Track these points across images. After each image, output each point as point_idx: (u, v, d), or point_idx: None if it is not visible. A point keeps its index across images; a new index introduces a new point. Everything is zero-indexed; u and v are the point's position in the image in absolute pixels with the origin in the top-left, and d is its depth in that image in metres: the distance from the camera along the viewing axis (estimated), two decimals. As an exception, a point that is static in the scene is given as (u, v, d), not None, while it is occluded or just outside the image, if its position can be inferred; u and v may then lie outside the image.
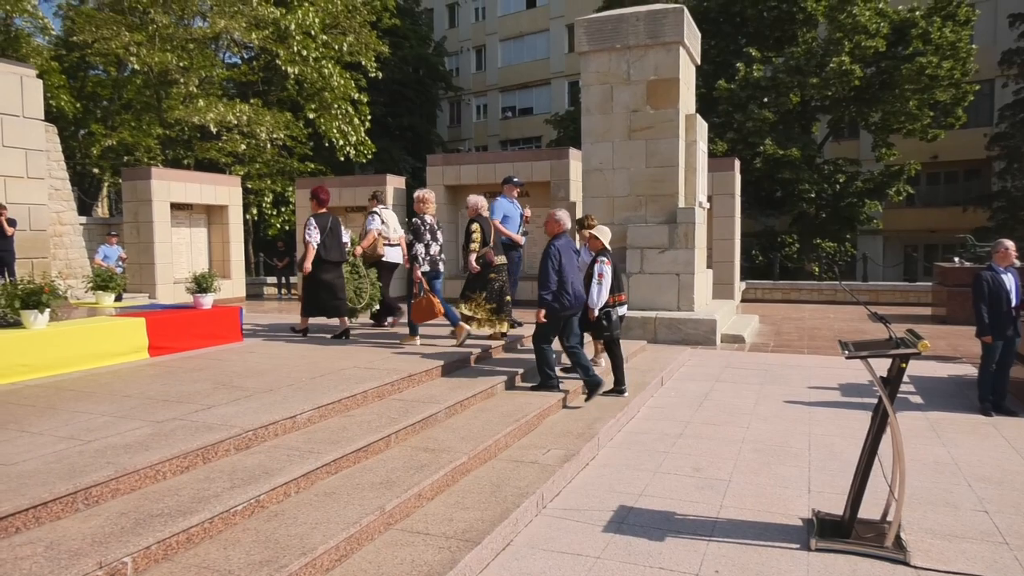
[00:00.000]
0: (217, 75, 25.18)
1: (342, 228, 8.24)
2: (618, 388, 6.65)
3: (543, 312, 6.16)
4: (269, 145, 23.53)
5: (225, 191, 17.64)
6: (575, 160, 14.81)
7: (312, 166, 26.34)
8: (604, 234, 6.79)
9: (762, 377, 7.93)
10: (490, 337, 7.85)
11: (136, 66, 21.75)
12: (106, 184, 27.18)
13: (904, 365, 3.55)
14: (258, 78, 25.62)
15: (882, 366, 3.61)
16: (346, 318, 8.16)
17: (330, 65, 24.54)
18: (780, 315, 13.87)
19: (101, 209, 27.44)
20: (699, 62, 11.77)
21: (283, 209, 25.22)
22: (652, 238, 10.32)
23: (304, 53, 23.65)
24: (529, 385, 6.44)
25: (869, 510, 3.76)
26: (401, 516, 3.61)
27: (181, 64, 21.83)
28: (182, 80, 22.00)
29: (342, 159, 26.29)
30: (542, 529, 3.82)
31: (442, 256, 7.83)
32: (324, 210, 8.10)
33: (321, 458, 3.88)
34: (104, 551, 2.72)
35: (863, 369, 3.96)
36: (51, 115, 18.53)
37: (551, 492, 4.25)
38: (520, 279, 9.60)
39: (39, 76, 12.83)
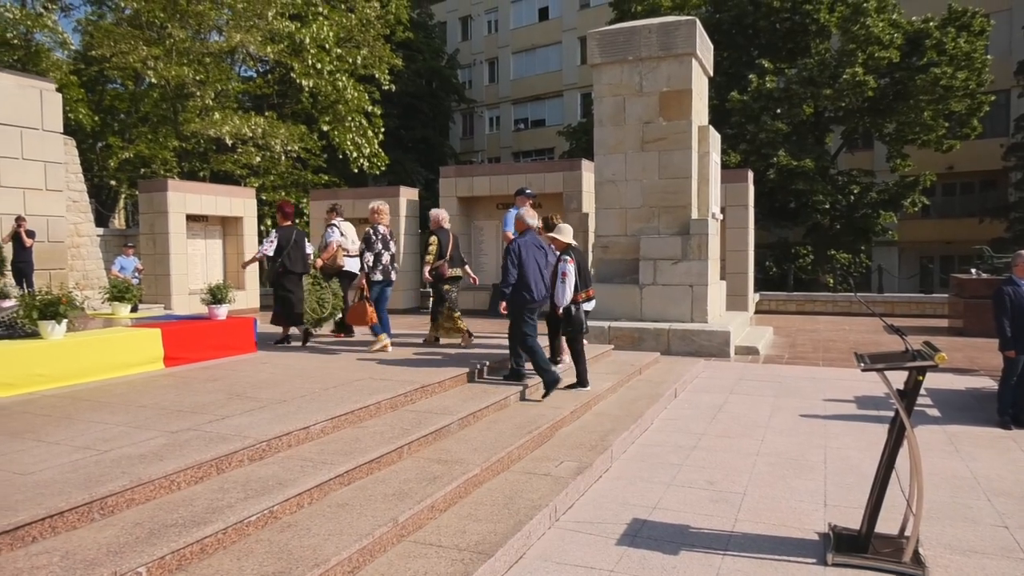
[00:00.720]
0: (233, 88, 25.45)
1: (306, 241, 8.55)
2: (580, 383, 6.85)
3: (503, 304, 6.46)
4: (284, 157, 23.73)
5: (240, 203, 17.79)
6: (587, 172, 14.83)
7: (326, 178, 26.52)
8: (566, 233, 6.90)
9: (776, 389, 7.88)
10: (463, 341, 8.35)
11: (153, 80, 22.03)
12: (123, 196, 27.48)
13: (921, 378, 3.52)
14: (273, 91, 25.87)
15: (899, 379, 3.58)
16: (296, 328, 8.49)
17: (344, 78, 24.75)
18: (794, 327, 13.78)
19: (118, 221, 27.74)
20: (712, 74, 11.77)
21: (297, 221, 25.35)
22: (665, 249, 10.30)
23: (319, 66, 23.87)
24: (540, 394, 6.44)
25: (887, 525, 3.72)
26: (414, 528, 3.60)
27: (197, 78, 22.08)
28: (198, 93, 22.25)
29: (356, 171, 26.46)
30: (555, 542, 3.80)
31: (395, 265, 8.08)
32: (289, 223, 8.43)
33: (334, 469, 3.88)
34: (119, 561, 2.73)
35: (879, 382, 3.93)
36: (70, 128, 18.77)
37: (564, 504, 4.23)
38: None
39: (58, 90, 13.02)
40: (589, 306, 7.01)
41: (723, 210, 13.18)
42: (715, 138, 11.26)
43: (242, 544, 3.17)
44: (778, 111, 22.33)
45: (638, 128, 10.60)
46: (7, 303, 7.61)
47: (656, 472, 4.99)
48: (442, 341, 8.54)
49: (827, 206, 23.21)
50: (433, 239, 8.27)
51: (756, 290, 16.57)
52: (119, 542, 2.91)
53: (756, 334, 11.45)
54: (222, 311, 7.49)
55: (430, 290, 8.51)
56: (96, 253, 16.23)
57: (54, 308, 5.76)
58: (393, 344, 8.25)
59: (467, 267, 8.64)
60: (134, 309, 8.52)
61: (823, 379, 8.47)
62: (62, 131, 12.81)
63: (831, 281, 23.20)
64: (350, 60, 25.23)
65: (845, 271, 24.92)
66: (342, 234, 9.15)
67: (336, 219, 9.37)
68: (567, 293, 6.67)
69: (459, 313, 8.44)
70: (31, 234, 11.59)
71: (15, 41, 22.15)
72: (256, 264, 18.28)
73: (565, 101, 40.01)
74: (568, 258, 6.74)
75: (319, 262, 9.03)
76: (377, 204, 8.16)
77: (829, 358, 10.02)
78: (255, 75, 27.73)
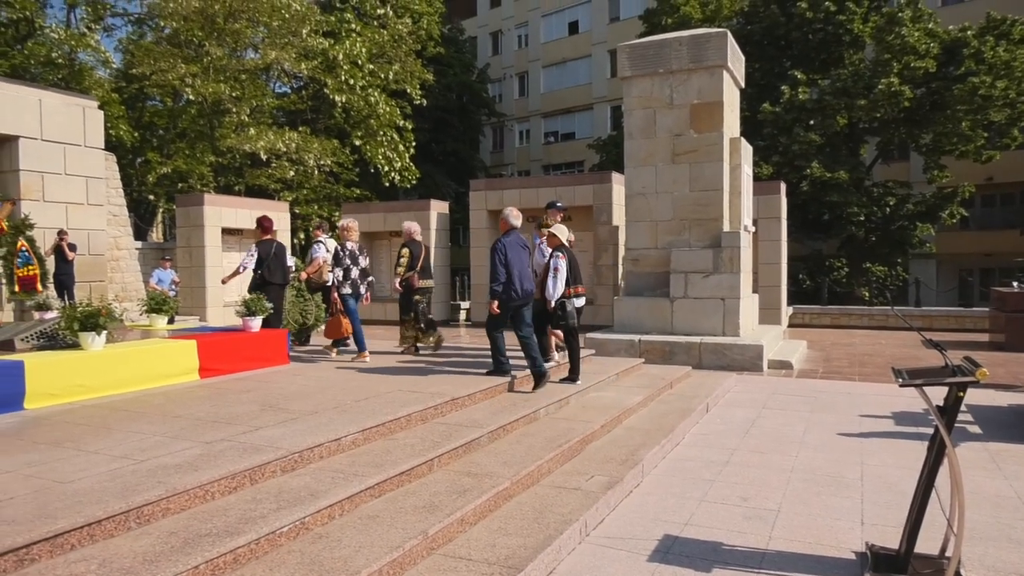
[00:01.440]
0: (267, 104, 25.94)
1: (287, 253, 8.97)
2: (572, 377, 7.18)
3: (495, 304, 6.78)
4: (316, 171, 24.08)
5: (274, 216, 18.04)
6: (618, 184, 14.81)
7: (358, 191, 26.85)
8: (561, 232, 7.30)
9: (811, 404, 7.74)
10: (434, 349, 8.86)
11: (191, 96, 22.55)
12: (161, 210, 28.10)
13: (962, 394, 3.43)
14: (307, 106, 26.30)
15: (938, 395, 3.50)
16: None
17: (376, 93, 25.08)
18: (829, 341, 13.55)
19: (155, 234, 28.35)
20: (743, 85, 11.70)
21: (330, 234, 25.68)
22: (696, 262, 10.22)
23: (351, 82, 24.24)
24: (485, 371, 7.01)
25: (926, 545, 3.62)
26: (444, 541, 3.61)
27: (233, 94, 22.54)
28: (234, 109, 22.71)
29: (387, 184, 26.75)
30: (585, 557, 3.77)
31: (368, 279, 8.63)
32: (268, 237, 8.79)
33: (365, 481, 3.91)
34: (154, 570, 2.77)
35: (917, 398, 3.84)
36: (110, 144, 19.27)
37: (594, 519, 4.20)
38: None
39: (100, 107, 13.39)
40: (580, 302, 7.36)
41: (755, 222, 13.06)
42: (747, 150, 11.18)
43: (274, 555, 3.19)
44: (811, 122, 22.09)
45: (669, 140, 10.57)
46: (49, 315, 7.81)
47: (688, 487, 4.93)
48: (420, 347, 8.97)
49: (862, 218, 22.85)
50: (405, 251, 8.61)
51: (789, 303, 16.35)
52: (154, 551, 2.95)
53: (790, 348, 11.29)
54: (256, 323, 7.60)
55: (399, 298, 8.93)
56: (135, 266, 16.59)
57: (94, 320, 5.89)
58: (422, 356, 8.32)
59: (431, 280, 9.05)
60: (171, 321, 8.68)
61: (859, 394, 8.31)
62: (103, 147, 13.15)
63: (867, 294, 22.82)
64: (382, 75, 25.58)
65: (881, 284, 24.49)
66: (328, 250, 9.51)
67: (322, 236, 9.87)
68: (558, 287, 7.03)
69: (432, 316, 8.99)
70: (73, 247, 11.90)
71: (60, 60, 22.85)
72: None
73: (595, 114, 40.05)
74: (560, 254, 7.13)
75: (304, 275, 9.55)
76: (347, 222, 8.69)
77: (865, 373, 9.84)
78: (289, 91, 28.24)
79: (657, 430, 6.11)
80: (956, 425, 3.83)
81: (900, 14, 21.30)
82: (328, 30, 25.32)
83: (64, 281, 11.80)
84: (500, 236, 6.98)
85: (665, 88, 10.57)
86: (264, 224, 8.84)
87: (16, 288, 11.36)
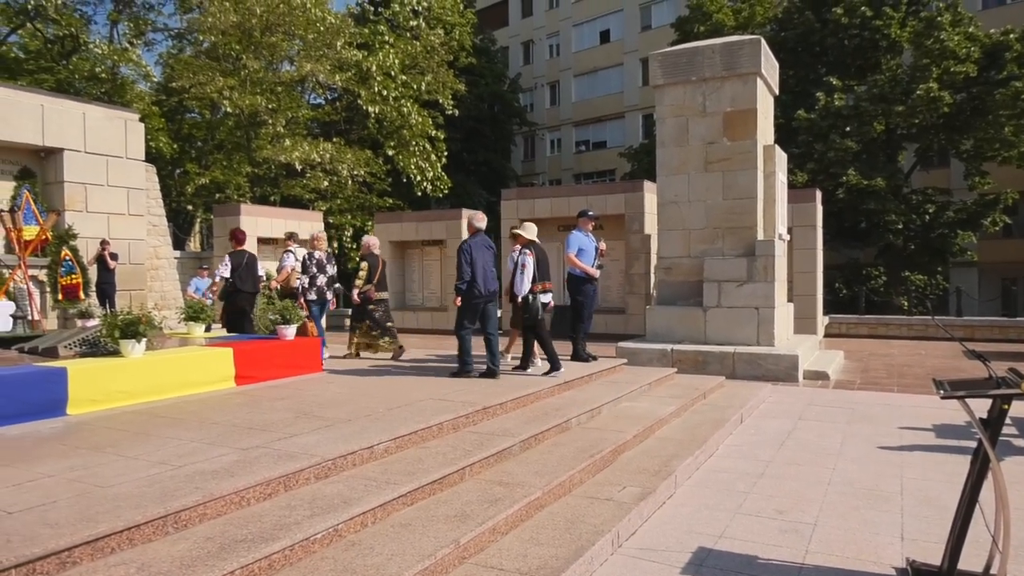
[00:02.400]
0: (302, 115, 26.36)
1: (257, 263, 9.52)
2: (553, 368, 7.58)
3: (458, 299, 7.35)
4: (350, 181, 24.38)
5: (308, 226, 18.31)
6: (650, 193, 14.73)
7: (390, 201, 27.10)
8: (529, 231, 7.85)
9: (848, 416, 7.60)
10: (394, 358, 9.21)
11: (228, 109, 23.01)
12: (198, 220, 28.68)
13: (1006, 406, 3.34)
14: (340, 117, 26.67)
15: (981, 407, 3.41)
16: None
17: (409, 104, 25.34)
18: (867, 351, 13.29)
19: (193, 244, 28.93)
20: (777, 92, 11.58)
21: (362, 243, 25.95)
22: (730, 271, 10.11)
23: (384, 93, 24.52)
24: (450, 373, 7.51)
25: (970, 561, 3.52)
26: (475, 550, 3.60)
27: (269, 106, 22.95)
28: (270, 121, 23.11)
29: (419, 194, 26.96)
30: (617, 568, 3.74)
31: (334, 287, 9.37)
32: (241, 248, 9.38)
33: (397, 489, 3.92)
34: (191, 575, 2.82)
35: (959, 410, 3.75)
36: (151, 156, 19.73)
37: (627, 531, 4.16)
38: (594, 312, 9.54)
39: (141, 120, 13.72)
40: (546, 297, 7.88)
41: (790, 231, 12.88)
42: (781, 158, 11.05)
43: (308, 561, 3.22)
44: (847, 129, 21.77)
45: (701, 148, 10.49)
46: (91, 322, 8.01)
47: (722, 499, 4.86)
48: (372, 354, 9.61)
49: (900, 226, 22.43)
50: (364, 264, 9.29)
51: (825, 313, 16.08)
52: (191, 556, 2.99)
53: (826, 358, 11.10)
54: (290, 332, 7.70)
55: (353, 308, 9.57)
56: (173, 275, 16.93)
57: (135, 328, 6.02)
58: (453, 365, 8.36)
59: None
60: (208, 329, 8.84)
61: (898, 406, 8.13)
62: (144, 159, 13.47)
63: (905, 303, 22.34)
64: (415, 86, 25.85)
65: (920, 293, 23.98)
66: (297, 259, 10.02)
67: (292, 246, 10.46)
68: (525, 283, 7.55)
69: (391, 323, 9.54)
70: (114, 256, 12.19)
71: (103, 75, 23.50)
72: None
73: (627, 122, 39.96)
74: (528, 251, 7.67)
75: (274, 283, 10.14)
76: (316, 233, 9.60)
77: (904, 384, 9.62)
78: (324, 102, 28.67)
79: (690, 441, 6.04)
80: (1001, 438, 3.73)
81: (939, 18, 20.93)
82: (362, 42, 25.68)
83: (106, 290, 12.08)
84: (467, 238, 7.50)
85: (698, 96, 10.51)
86: (237, 236, 9.52)
87: (60, 296, 11.67)
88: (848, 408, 8.01)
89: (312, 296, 9.04)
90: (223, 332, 10.46)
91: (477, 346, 7.71)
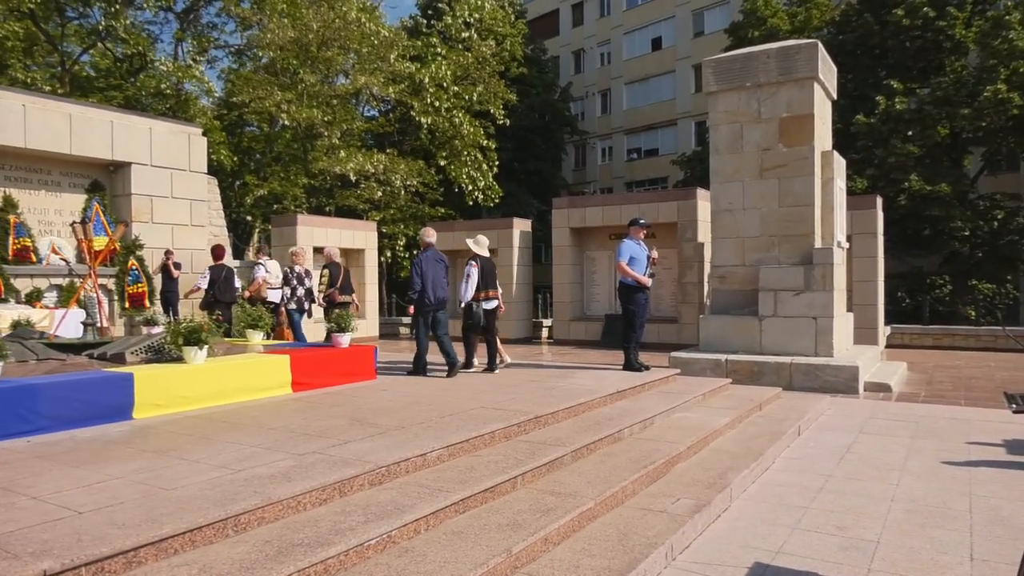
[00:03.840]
0: (357, 127, 26.87)
1: (234, 276, 10.52)
2: (490, 366, 8.68)
3: (412, 307, 8.23)
4: (403, 191, 24.72)
5: (362, 235, 18.64)
6: (703, 200, 14.55)
7: (442, 211, 27.37)
8: (479, 245, 8.81)
9: (912, 430, 7.34)
10: None
11: (286, 122, 23.63)
12: (257, 230, 29.44)
13: (1084, 422, 3.18)
14: (394, 129, 27.09)
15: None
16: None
17: (460, 114, 25.60)
18: (931, 362, 12.83)
19: (252, 253, 29.69)
20: (835, 97, 11.31)
21: (415, 252, 26.26)
22: (786, 280, 9.89)
23: (436, 104, 24.82)
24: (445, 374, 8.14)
25: (1045, 584, 3.36)
26: (527, 560, 3.59)
27: (325, 119, 23.47)
28: (326, 133, 23.62)
29: (470, 203, 27.19)
30: (671, 582, 3.68)
31: (311, 297, 10.53)
32: (219, 263, 10.57)
33: (450, 497, 3.95)
34: (250, 577, 2.88)
35: (1033, 425, 3.59)
36: (212, 168, 20.36)
37: (680, 544, 4.10)
38: (646, 321, 9.43)
39: (203, 134, 14.19)
40: (490, 304, 8.70)
41: (849, 238, 12.55)
42: (839, 163, 10.78)
43: (362, 566, 3.26)
44: (909, 133, 21.14)
45: (756, 155, 10.31)
46: (156, 329, 8.30)
47: (779, 514, 4.75)
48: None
49: (967, 233, 21.64)
50: (326, 271, 10.42)
51: (887, 323, 15.59)
52: (250, 558, 3.06)
53: (888, 369, 10.75)
54: (345, 339, 7.83)
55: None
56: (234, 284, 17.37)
57: (197, 335, 6.20)
58: (504, 373, 8.37)
59: (355, 295, 10.96)
60: (266, 336, 9.06)
61: (966, 420, 7.81)
62: (206, 171, 13.92)
63: (972, 313, 21.48)
64: (466, 97, 26.10)
65: (989, 303, 23.02)
66: (267, 271, 10.91)
67: (263, 258, 11.23)
68: (468, 291, 8.50)
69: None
70: (178, 266, 12.61)
71: (168, 91, 24.40)
72: (376, 294, 19.04)
73: (679, 130, 39.57)
74: (473, 263, 8.58)
75: (247, 293, 10.85)
76: (295, 248, 10.69)
77: (972, 397, 9.25)
78: (377, 114, 29.18)
79: (746, 453, 5.92)
80: (1078, 456, 3.55)
81: (1007, 17, 20.16)
82: (415, 54, 26.07)
83: (169, 298, 12.50)
84: (420, 253, 8.33)
85: (752, 102, 10.34)
86: (216, 252, 10.61)
87: (127, 304, 12.13)
88: (912, 422, 7.74)
89: (292, 306, 10.30)
90: (281, 340, 10.72)
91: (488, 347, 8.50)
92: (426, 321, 8.18)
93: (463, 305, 8.58)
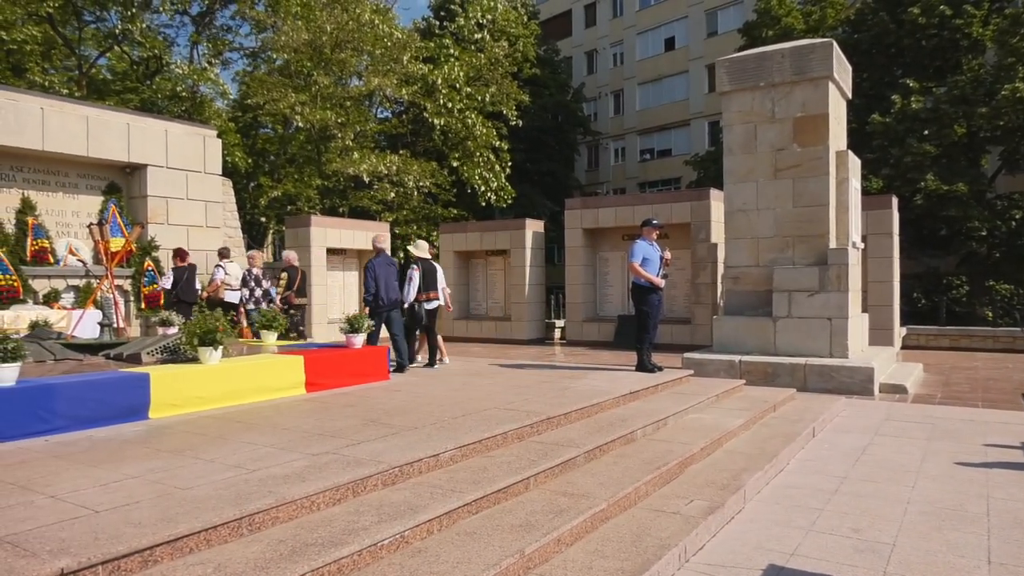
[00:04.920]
0: (370, 129, 26.96)
1: (196, 278, 10.93)
2: (430, 362, 9.44)
3: (366, 309, 8.90)
4: (416, 192, 24.78)
5: (375, 235, 18.66)
6: (716, 201, 14.48)
7: (455, 211, 27.42)
8: (419, 249, 9.60)
9: (929, 432, 7.27)
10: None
11: (300, 123, 23.74)
12: (271, 231, 29.62)
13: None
14: (407, 130, 27.17)
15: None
16: None
17: (473, 115, 25.63)
18: (948, 364, 12.71)
19: (267, 254, 29.87)
20: (850, 96, 11.23)
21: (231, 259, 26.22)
22: (800, 281, 9.83)
23: (449, 105, 24.87)
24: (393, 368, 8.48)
25: (1064, 588, 3.32)
26: (540, 560, 3.60)
27: (339, 120, 23.57)
28: (339, 135, 23.72)
29: (483, 204, 27.21)
30: (685, 584, 3.67)
31: (268, 298, 11.00)
32: (183, 264, 10.91)
33: (463, 497, 3.95)
34: (264, 576, 2.90)
35: (1052, 427, 3.55)
36: (227, 170, 20.50)
37: (694, 545, 4.08)
38: (659, 322, 9.41)
39: (218, 136, 14.29)
40: (430, 305, 9.36)
41: (864, 239, 12.46)
42: (854, 163, 10.70)
43: (375, 566, 3.27)
44: (925, 132, 20.94)
45: (770, 155, 10.26)
46: (171, 330, 8.36)
47: (793, 516, 4.72)
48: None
49: (984, 233, 21.42)
50: (284, 275, 11.27)
51: (903, 324, 15.46)
52: (264, 558, 3.08)
53: (903, 371, 10.67)
54: (358, 340, 7.86)
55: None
56: (247, 285, 17.47)
57: (212, 336, 6.25)
58: (517, 374, 8.37)
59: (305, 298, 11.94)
60: (280, 337, 9.11)
61: (983, 422, 7.74)
62: (221, 173, 14.01)
63: (990, 314, 21.26)
64: (479, 98, 26.14)
65: (1007, 303, 22.77)
66: (227, 273, 11.51)
67: (223, 261, 11.71)
68: (411, 293, 9.16)
69: (303, 327, 11.35)
70: (193, 267, 12.69)
71: (183, 94, 24.59)
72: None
73: (692, 130, 39.43)
74: (415, 266, 9.26)
75: (205, 294, 11.34)
76: (252, 252, 11.37)
77: (990, 399, 9.16)
78: (390, 115, 29.27)
79: (760, 454, 5.89)
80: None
81: (1025, 15, 19.95)
82: (428, 56, 26.13)
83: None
84: (372, 258, 9.09)
85: (766, 102, 10.29)
86: (180, 254, 11.04)
87: (143, 305, 12.22)
88: (928, 423, 7.68)
89: (251, 306, 10.81)
90: (295, 341, 10.77)
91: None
92: (381, 321, 8.79)
93: (406, 306, 9.22)
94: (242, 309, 10.87)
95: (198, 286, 11.10)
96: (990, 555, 4.04)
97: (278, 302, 10.92)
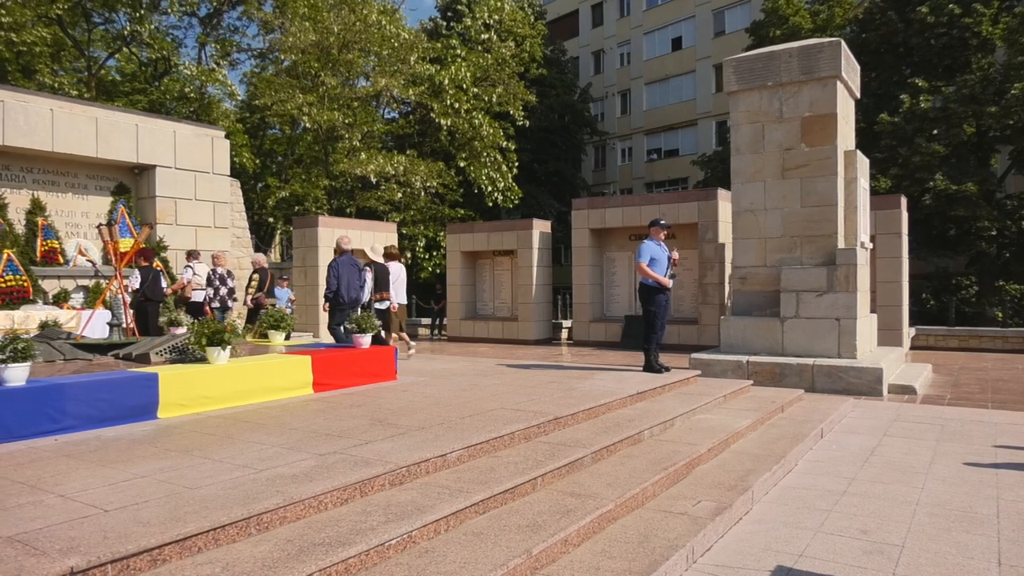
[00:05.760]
0: (377, 129, 27.02)
1: (161, 278, 11.19)
2: None
3: (327, 305, 9.64)
4: (423, 193, 24.82)
5: (382, 237, 18.70)
6: (723, 201, 14.46)
7: (462, 212, 27.44)
8: (373, 253, 10.44)
9: (938, 433, 7.24)
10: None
11: (307, 124, 23.81)
12: (279, 231, 29.72)
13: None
14: (414, 130, 27.21)
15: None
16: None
17: (480, 116, 25.65)
18: (957, 364, 12.64)
19: (274, 254, 29.94)
20: (858, 96, 11.19)
21: (434, 253, 26.40)
22: (808, 281, 9.80)
23: (456, 106, 24.89)
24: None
25: (1075, 591, 3.30)
26: (547, 561, 3.59)
27: (346, 121, 23.63)
28: (347, 135, 23.79)
29: (490, 205, 27.21)
30: (692, 585, 3.66)
31: (234, 297, 11.64)
32: (147, 264, 11.15)
33: (470, 497, 3.95)
34: (272, 575, 2.91)
35: (1063, 428, 3.52)
36: (235, 171, 20.58)
37: (702, 546, 4.07)
38: (666, 322, 9.39)
39: (226, 137, 14.34)
40: (381, 304, 10.19)
41: (873, 239, 12.40)
42: (863, 163, 10.66)
43: (383, 566, 3.28)
44: (934, 132, 20.84)
45: (778, 155, 10.23)
46: (180, 330, 8.39)
47: (801, 517, 4.71)
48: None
49: (993, 233, 21.30)
50: (255, 276, 11.75)
51: (911, 324, 15.39)
52: (272, 557, 3.09)
53: (912, 371, 10.62)
54: (365, 340, 7.87)
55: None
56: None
57: (220, 336, 6.27)
58: (524, 374, 8.36)
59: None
60: (287, 337, 9.12)
61: (993, 423, 7.69)
62: (229, 174, 14.06)
63: (1000, 315, 21.12)
64: (486, 98, 26.16)
65: (1017, 304, 22.62)
66: (195, 273, 11.97)
67: (192, 261, 12.17)
68: (365, 293, 9.92)
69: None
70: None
71: (191, 95, 24.70)
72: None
73: (699, 130, 39.34)
74: (368, 269, 10.00)
75: (169, 291, 11.60)
76: (217, 252, 11.79)
77: (999, 400, 9.11)
78: (397, 116, 29.32)
79: (768, 455, 5.87)
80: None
81: (1035, 13, 19.82)
82: (434, 56, 26.17)
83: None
84: (335, 258, 9.65)
85: (774, 101, 10.26)
86: (146, 254, 11.34)
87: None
88: (937, 424, 7.64)
89: (216, 304, 11.35)
90: (303, 341, 10.80)
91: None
92: (341, 317, 9.17)
93: (359, 305, 9.89)
94: (207, 308, 11.24)
95: (163, 284, 11.32)
96: (1000, 557, 4.02)
97: (248, 302, 11.47)
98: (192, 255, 12.43)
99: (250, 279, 11.93)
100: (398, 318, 11.17)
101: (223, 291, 11.42)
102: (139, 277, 11.17)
